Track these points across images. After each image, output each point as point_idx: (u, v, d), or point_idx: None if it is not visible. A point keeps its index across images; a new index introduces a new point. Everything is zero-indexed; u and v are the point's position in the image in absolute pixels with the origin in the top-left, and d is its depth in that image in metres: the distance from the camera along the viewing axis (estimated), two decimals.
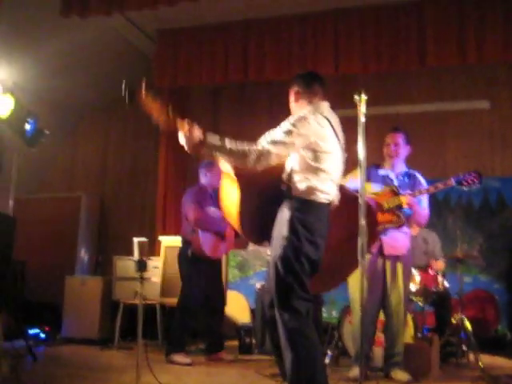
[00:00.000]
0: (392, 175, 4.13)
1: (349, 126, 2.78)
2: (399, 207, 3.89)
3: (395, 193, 3.93)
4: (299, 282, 2.59)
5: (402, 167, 4.19)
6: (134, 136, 7.72)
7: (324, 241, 2.68)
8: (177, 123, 2.56)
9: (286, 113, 8.19)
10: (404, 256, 4.02)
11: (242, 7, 5.94)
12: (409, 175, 4.16)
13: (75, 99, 7.19)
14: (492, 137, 6.50)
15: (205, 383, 3.94)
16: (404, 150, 4.16)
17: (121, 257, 5.62)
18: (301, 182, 2.66)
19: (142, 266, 3.03)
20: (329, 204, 2.72)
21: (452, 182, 3.85)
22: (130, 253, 6.24)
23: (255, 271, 6.97)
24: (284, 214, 2.65)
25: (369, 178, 4.08)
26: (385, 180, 4.10)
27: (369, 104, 7.08)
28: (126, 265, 5.51)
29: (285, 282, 2.58)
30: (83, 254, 7.11)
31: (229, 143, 2.65)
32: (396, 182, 4.07)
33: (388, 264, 3.99)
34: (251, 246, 6.91)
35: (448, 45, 5.36)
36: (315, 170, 2.66)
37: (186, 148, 2.62)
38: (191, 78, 6.33)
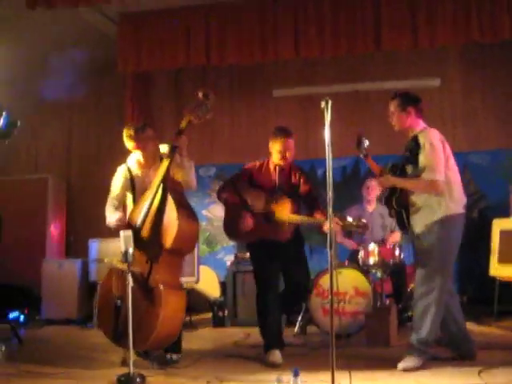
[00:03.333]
0: None
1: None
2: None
3: None
4: None
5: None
6: (98, 114, 7.81)
7: None
8: None
9: (247, 96, 8.36)
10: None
11: None
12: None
13: (36, 82, 7.25)
14: (442, 113, 6.90)
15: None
16: (402, 117, 3.83)
17: (95, 239, 5.83)
18: None
19: (128, 257, 3.27)
20: None
21: None
22: (99, 233, 6.50)
23: (222, 246, 7.27)
24: None
25: None
26: None
27: (329, 82, 7.42)
28: (100, 247, 5.73)
29: None
30: (53, 236, 7.25)
31: None
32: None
33: None
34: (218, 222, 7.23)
35: (402, 30, 5.66)
36: None
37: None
38: (154, 61, 6.37)
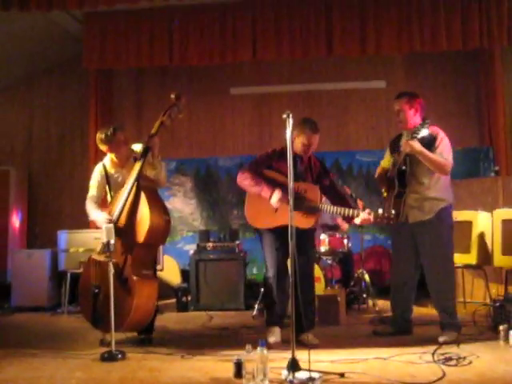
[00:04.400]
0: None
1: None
2: None
3: None
4: None
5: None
6: (59, 109, 8.00)
7: None
8: None
9: (205, 94, 8.68)
10: None
11: None
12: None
13: None
14: (388, 113, 7.47)
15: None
16: (410, 114, 4.10)
17: (63, 231, 6.11)
18: None
19: (109, 248, 3.62)
20: None
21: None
22: (59, 224, 6.75)
23: (182, 236, 7.66)
24: None
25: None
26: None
27: (283, 82, 7.90)
28: (68, 238, 6.02)
29: None
30: (15, 227, 7.45)
31: None
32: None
33: None
34: (177, 213, 7.62)
35: (351, 38, 6.21)
36: None
37: None
38: (119, 60, 6.69)
